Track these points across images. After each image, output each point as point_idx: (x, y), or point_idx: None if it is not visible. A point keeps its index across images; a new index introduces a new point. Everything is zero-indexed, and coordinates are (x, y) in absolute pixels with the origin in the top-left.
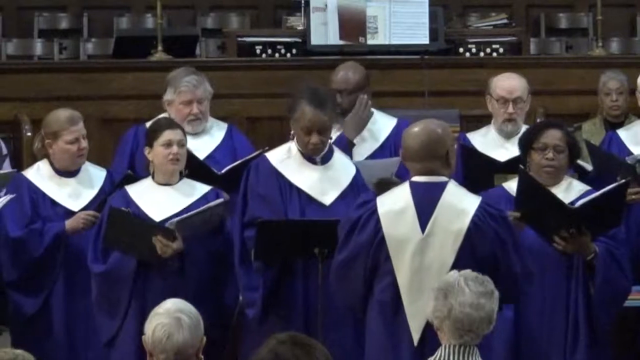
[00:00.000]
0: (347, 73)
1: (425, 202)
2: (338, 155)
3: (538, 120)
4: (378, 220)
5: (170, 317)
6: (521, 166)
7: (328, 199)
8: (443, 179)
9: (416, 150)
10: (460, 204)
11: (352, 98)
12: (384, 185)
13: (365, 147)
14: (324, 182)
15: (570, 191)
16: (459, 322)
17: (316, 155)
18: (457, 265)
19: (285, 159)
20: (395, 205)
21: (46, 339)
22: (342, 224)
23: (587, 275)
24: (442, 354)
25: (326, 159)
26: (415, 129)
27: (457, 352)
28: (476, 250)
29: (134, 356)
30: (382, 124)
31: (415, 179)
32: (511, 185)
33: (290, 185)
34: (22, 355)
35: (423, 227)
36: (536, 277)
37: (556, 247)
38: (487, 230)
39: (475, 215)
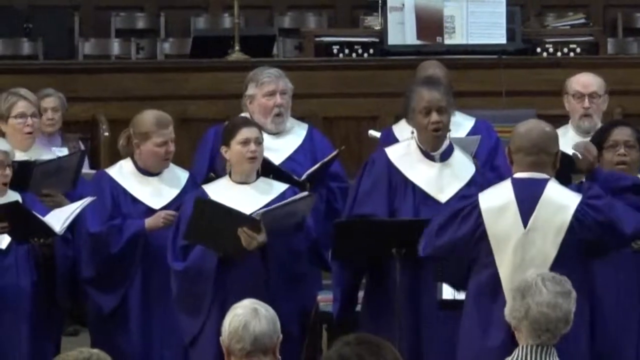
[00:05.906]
0: (435, 70)
1: (527, 198)
2: (458, 153)
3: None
4: (479, 215)
5: (247, 308)
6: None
7: (444, 196)
8: (545, 175)
9: (533, 143)
10: (562, 199)
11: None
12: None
13: None
14: (441, 179)
15: None
16: (536, 322)
17: (438, 138)
18: (559, 258)
19: (403, 154)
20: (497, 201)
21: (123, 338)
22: (442, 213)
23: None
24: (520, 355)
25: (445, 155)
26: (529, 125)
27: (534, 352)
28: (580, 241)
29: (213, 357)
30: (460, 124)
31: (518, 175)
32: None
33: (406, 181)
34: (97, 355)
35: (525, 222)
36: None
37: (632, 246)
38: (590, 224)
39: (578, 211)
